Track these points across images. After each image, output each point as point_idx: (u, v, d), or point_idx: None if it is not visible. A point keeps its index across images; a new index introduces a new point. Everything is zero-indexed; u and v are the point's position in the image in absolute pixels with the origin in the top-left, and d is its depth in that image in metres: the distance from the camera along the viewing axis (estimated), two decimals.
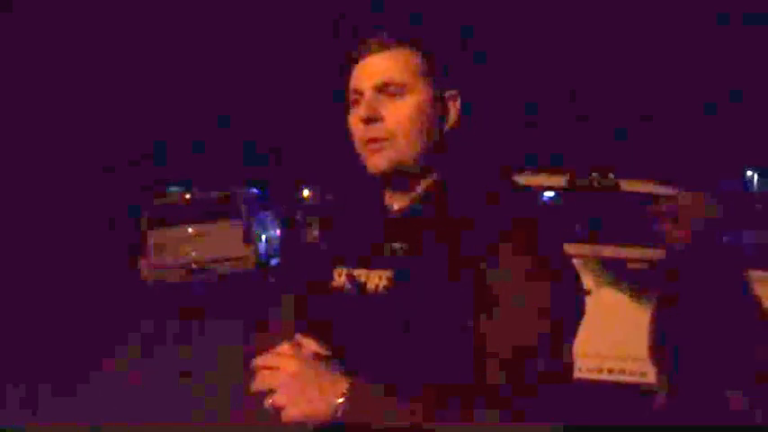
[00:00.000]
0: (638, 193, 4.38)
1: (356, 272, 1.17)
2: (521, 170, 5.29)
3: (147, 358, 6.54)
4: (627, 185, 4.73)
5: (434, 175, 1.17)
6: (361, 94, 1.15)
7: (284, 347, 1.07)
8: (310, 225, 15.86)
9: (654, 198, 3.77)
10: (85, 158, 19.47)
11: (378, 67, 1.14)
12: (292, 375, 1.02)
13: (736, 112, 22.36)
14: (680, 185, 4.84)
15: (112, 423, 4.62)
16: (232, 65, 22.63)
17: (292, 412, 1.00)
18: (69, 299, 10.21)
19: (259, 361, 1.05)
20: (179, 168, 21.20)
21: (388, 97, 1.13)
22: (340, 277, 1.20)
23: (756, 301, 3.08)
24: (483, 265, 1.02)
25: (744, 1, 21.28)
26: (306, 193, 19.78)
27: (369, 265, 1.16)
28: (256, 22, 23.75)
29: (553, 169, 5.35)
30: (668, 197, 3.25)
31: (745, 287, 3.00)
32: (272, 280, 11.17)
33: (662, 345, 2.94)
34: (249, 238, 10.99)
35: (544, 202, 5.18)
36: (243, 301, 9.55)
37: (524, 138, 21.80)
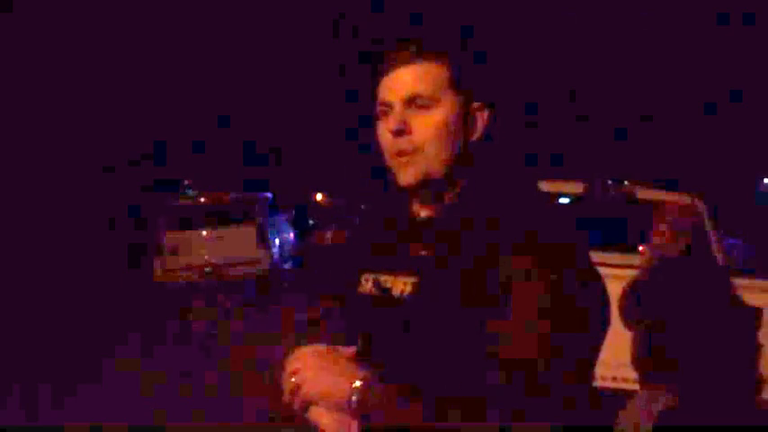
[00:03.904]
0: (652, 201, 4.37)
1: (382, 278, 1.20)
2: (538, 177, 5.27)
3: (147, 358, 6.53)
4: (642, 193, 4.73)
5: (461, 185, 1.19)
6: (389, 106, 1.17)
7: (303, 350, 1.12)
8: (324, 228, 15.86)
9: (653, 204, 3.76)
10: (85, 158, 19.46)
11: (406, 79, 1.16)
12: (313, 368, 1.08)
13: (743, 116, 22.32)
14: (689, 192, 4.85)
15: (112, 423, 4.62)
16: (232, 65, 22.62)
17: (311, 389, 1.06)
18: (69, 299, 10.20)
19: (286, 368, 1.11)
20: (179, 168, 21.19)
21: (416, 110, 1.15)
22: (367, 283, 1.23)
23: (742, 306, 3.09)
24: (502, 272, 1.04)
25: (744, 1, 21.27)
26: (319, 197, 19.91)
27: (395, 271, 1.18)
28: (256, 22, 23.75)
29: (568, 178, 5.35)
30: (662, 203, 3.25)
31: (731, 292, 3.01)
32: (286, 285, 11.21)
33: (657, 350, 2.95)
34: (264, 241, 11.05)
35: (565, 208, 5.17)
36: (259, 303, 9.59)
37: (524, 138, 21.79)
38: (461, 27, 20.39)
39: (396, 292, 1.16)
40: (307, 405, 1.07)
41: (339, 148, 23.41)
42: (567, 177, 5.19)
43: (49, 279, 11.76)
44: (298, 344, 1.15)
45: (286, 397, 1.09)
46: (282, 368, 1.11)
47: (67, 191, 18.44)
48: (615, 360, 2.78)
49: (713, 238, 4.29)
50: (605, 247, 4.43)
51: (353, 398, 1.02)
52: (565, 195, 4.99)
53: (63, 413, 4.95)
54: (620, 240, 4.66)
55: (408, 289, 1.14)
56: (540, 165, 18.81)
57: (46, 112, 18.60)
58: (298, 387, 1.07)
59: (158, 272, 10.78)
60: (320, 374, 1.06)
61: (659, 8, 22.45)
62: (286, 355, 1.14)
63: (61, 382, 5.70)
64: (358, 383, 1.03)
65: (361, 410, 1.02)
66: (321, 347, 1.12)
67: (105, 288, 11.13)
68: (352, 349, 1.13)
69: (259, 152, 24.46)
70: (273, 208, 13.01)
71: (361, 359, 1.11)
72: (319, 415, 1.06)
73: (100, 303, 9.92)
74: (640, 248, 3.29)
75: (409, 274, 1.15)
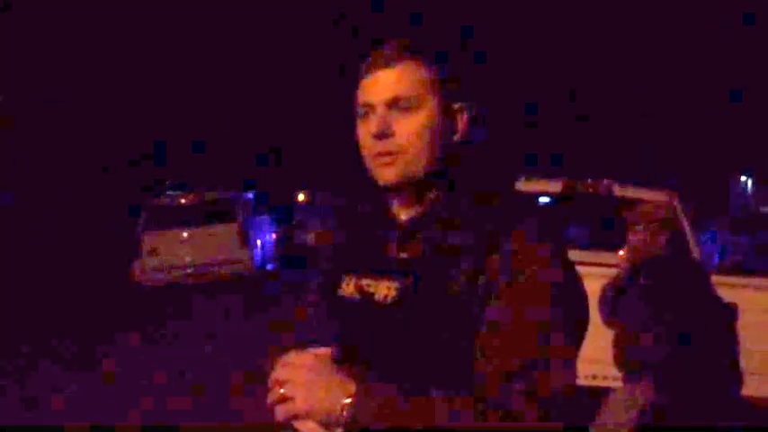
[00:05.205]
0: (632, 199, 4.38)
1: (364, 281, 1.18)
2: (518, 176, 5.28)
3: (147, 358, 6.54)
4: (621, 191, 4.73)
5: (442, 186, 1.17)
6: (370, 107, 1.15)
7: (292, 357, 1.08)
8: (306, 228, 15.77)
9: (631, 203, 3.77)
10: (85, 158, 19.48)
11: (387, 81, 1.14)
12: (304, 383, 1.04)
13: (737, 115, 22.37)
14: (668, 189, 4.85)
15: (113, 423, 4.63)
16: (232, 65, 22.63)
17: (301, 406, 1.02)
18: (69, 298, 10.21)
19: (272, 376, 1.07)
20: (179, 168, 21.19)
21: (398, 111, 1.13)
22: (348, 286, 1.21)
23: (719, 302, 3.10)
24: (493, 274, 1.04)
25: (744, 1, 21.29)
26: (300, 196, 19.74)
27: (377, 275, 1.16)
28: (256, 23, 23.76)
29: (547, 175, 5.35)
30: (636, 201, 3.25)
31: (708, 288, 3.02)
32: (270, 285, 11.18)
33: (637, 348, 2.95)
34: (246, 242, 10.97)
35: (544, 207, 5.17)
36: (241, 303, 9.58)
37: (524, 138, 21.78)
38: (460, 27, 20.40)
39: (378, 296, 1.14)
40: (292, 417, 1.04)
41: (339, 147, 23.41)
42: (567, 177, 5.18)
43: (49, 278, 11.77)
44: (285, 348, 1.12)
45: (270, 405, 1.06)
46: (269, 375, 1.08)
47: (67, 191, 18.46)
48: (596, 357, 2.79)
49: (690, 235, 4.29)
50: (586, 244, 4.43)
51: (344, 413, 1.00)
52: (545, 194, 4.99)
53: (63, 411, 4.96)
54: (600, 238, 4.66)
55: (392, 294, 1.12)
56: (539, 165, 18.81)
57: (46, 113, 18.62)
58: (285, 399, 1.04)
59: (137, 272, 10.71)
60: (311, 391, 1.03)
61: (658, 8, 22.45)
62: (273, 361, 1.11)
63: (61, 381, 5.72)
64: (349, 400, 1.01)
65: (353, 425, 1.00)
66: (309, 357, 1.08)
67: (105, 288, 11.13)
68: (327, 350, 1.10)
69: (258, 152, 24.46)
70: (265, 207, 12.94)
71: (341, 364, 1.08)
72: (303, 423, 1.04)
73: (99, 303, 9.93)
74: (620, 252, 3.30)
75: (391, 278, 1.13)
